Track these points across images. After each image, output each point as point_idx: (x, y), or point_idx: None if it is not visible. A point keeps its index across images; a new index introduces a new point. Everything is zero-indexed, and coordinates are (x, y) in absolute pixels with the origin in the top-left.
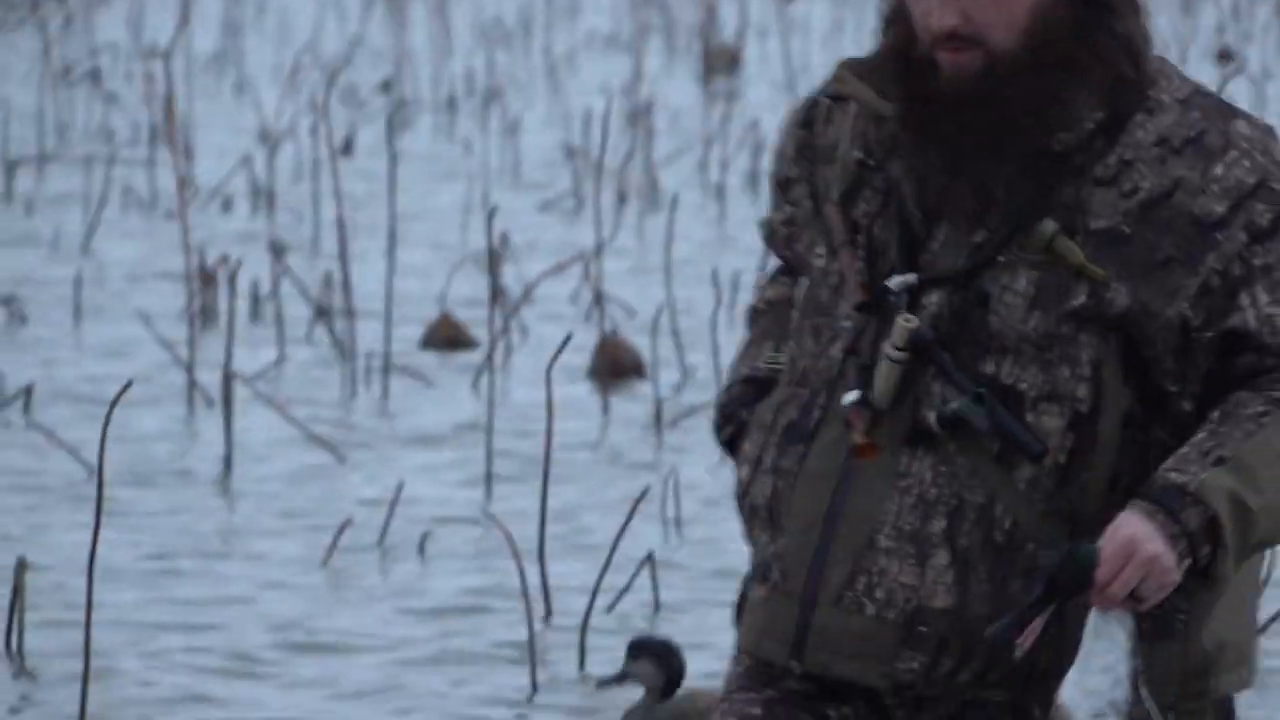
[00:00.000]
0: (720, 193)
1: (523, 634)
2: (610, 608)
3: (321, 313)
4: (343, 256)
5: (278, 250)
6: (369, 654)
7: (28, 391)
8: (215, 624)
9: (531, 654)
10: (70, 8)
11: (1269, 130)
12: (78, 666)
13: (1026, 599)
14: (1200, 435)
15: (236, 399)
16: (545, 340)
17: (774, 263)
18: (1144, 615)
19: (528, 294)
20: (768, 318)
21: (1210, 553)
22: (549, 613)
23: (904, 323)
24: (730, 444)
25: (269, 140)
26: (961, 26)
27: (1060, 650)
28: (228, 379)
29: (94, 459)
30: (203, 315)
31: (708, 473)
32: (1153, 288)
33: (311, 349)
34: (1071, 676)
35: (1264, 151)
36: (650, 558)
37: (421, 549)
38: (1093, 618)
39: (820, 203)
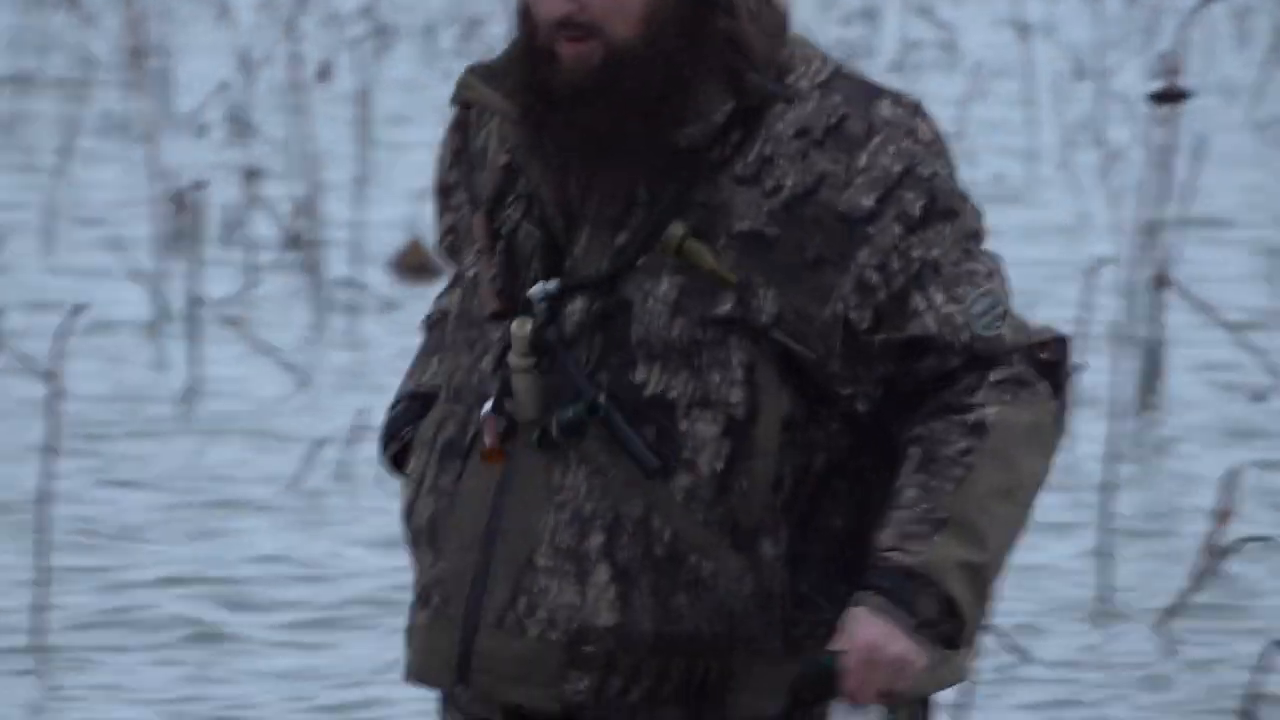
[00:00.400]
0: None
1: None
2: None
3: (293, 240)
4: (315, 183)
5: (250, 176)
6: (337, 582)
7: None
8: (182, 551)
9: None
10: None
11: (915, 109)
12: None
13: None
14: (910, 493)
15: (205, 324)
16: None
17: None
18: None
19: None
20: (434, 333)
21: (950, 625)
22: None
23: (517, 329)
24: (396, 462)
25: (246, 66)
26: (575, 13)
27: (730, 659)
28: (194, 305)
29: (58, 381)
30: (174, 240)
31: None
32: (804, 291)
33: (282, 276)
34: None
35: (909, 133)
36: None
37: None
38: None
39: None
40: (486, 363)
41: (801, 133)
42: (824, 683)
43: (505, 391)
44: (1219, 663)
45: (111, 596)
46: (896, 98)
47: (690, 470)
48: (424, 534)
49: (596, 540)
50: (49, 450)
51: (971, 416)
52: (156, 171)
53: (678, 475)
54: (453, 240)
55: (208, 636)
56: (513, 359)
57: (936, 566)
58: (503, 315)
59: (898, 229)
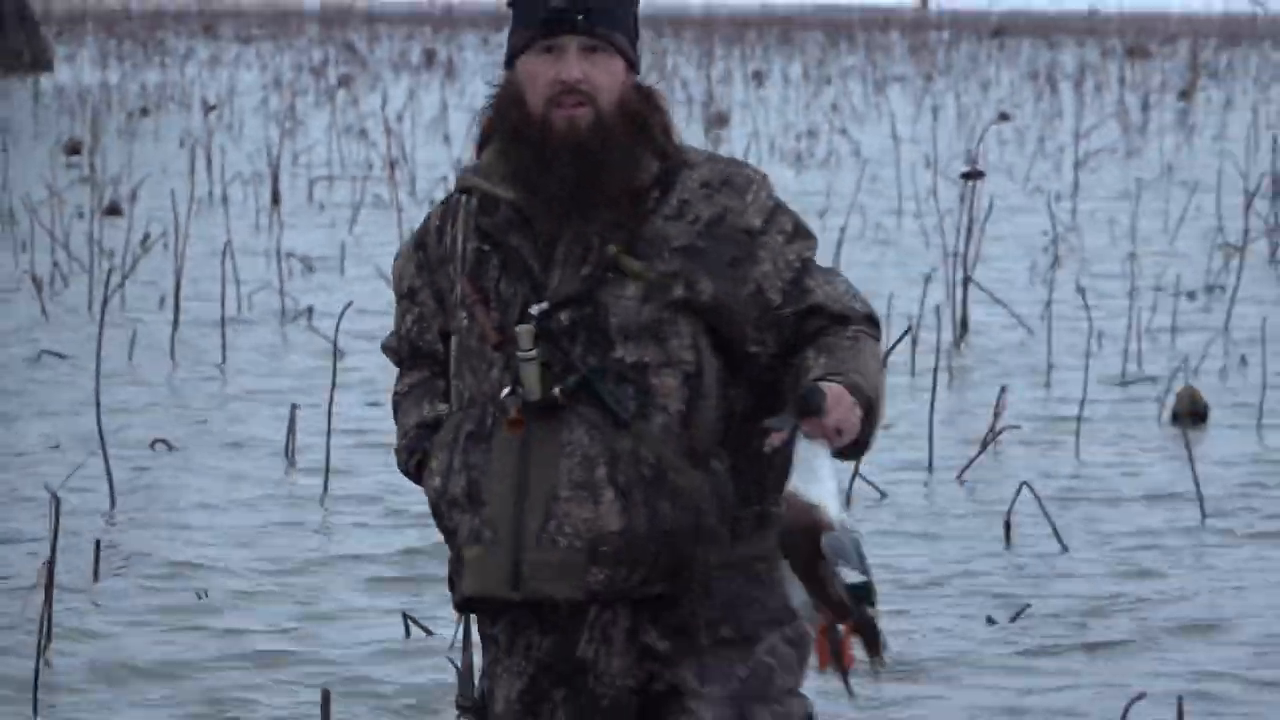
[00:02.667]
0: None
1: None
2: None
3: None
4: None
5: None
6: None
7: None
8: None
9: None
10: None
11: (764, 174)
12: None
13: (778, 417)
14: (823, 359)
15: None
16: None
17: (402, 366)
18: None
19: None
20: (411, 395)
21: (868, 417)
22: None
23: (522, 329)
24: (417, 471)
25: None
26: (582, 81)
27: (695, 546)
28: None
29: None
30: None
31: None
32: (727, 280)
33: None
34: (800, 485)
35: (765, 185)
36: None
37: None
38: (803, 445)
39: (445, 295)
40: (494, 374)
41: (704, 185)
42: (817, 403)
43: (515, 382)
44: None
45: None
46: (752, 166)
47: (663, 412)
48: (461, 499)
49: (601, 471)
50: None
51: (848, 334)
52: None
53: (654, 416)
54: (419, 327)
55: None
56: (519, 354)
57: (858, 384)
58: (501, 345)
59: (780, 238)
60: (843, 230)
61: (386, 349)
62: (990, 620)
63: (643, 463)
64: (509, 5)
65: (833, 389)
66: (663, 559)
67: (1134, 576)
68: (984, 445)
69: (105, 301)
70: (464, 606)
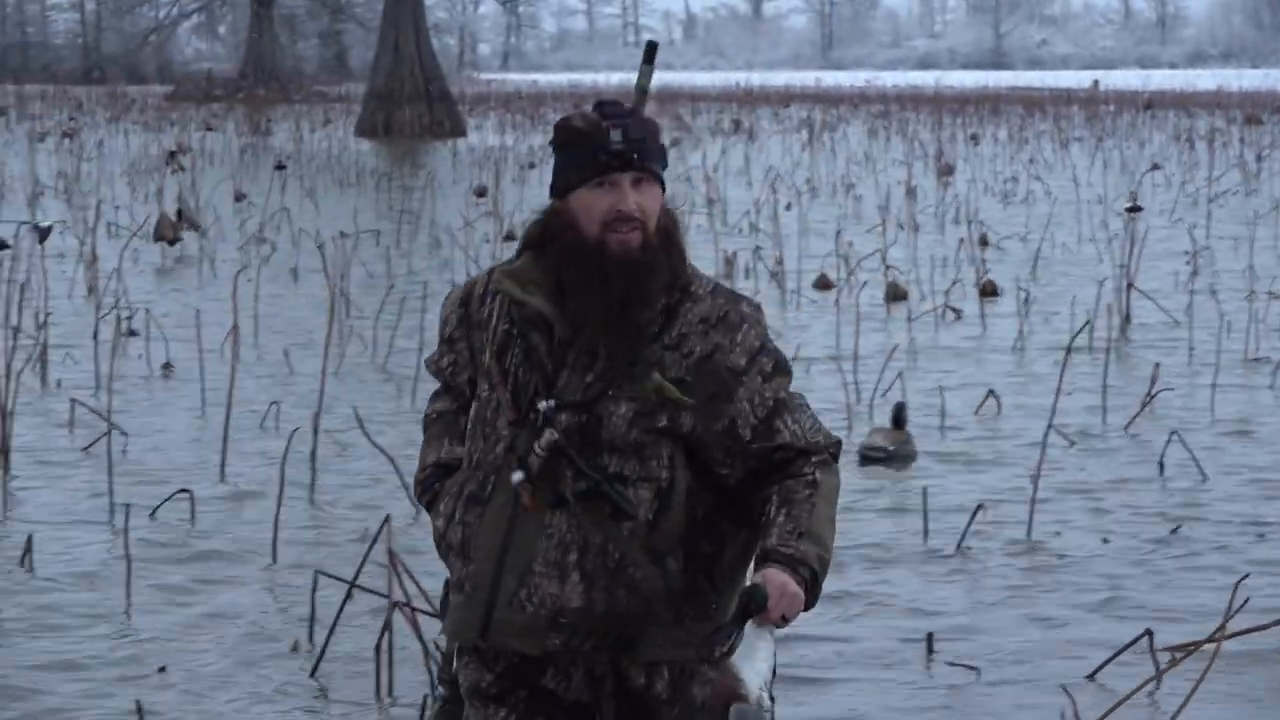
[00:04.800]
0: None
1: None
2: None
3: None
4: None
5: None
6: None
7: None
8: None
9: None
10: None
11: (758, 307)
12: None
13: (723, 623)
14: (780, 518)
15: None
16: None
17: (437, 386)
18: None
19: None
20: (439, 423)
21: (813, 587)
22: None
23: (549, 435)
24: (429, 505)
25: None
26: (636, 211)
27: (641, 627)
28: None
29: None
30: None
31: None
32: (707, 414)
33: None
34: (742, 666)
35: (757, 324)
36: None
37: None
38: (750, 627)
39: (476, 354)
40: (499, 448)
41: (703, 320)
42: (760, 602)
43: (524, 467)
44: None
45: None
46: (749, 300)
47: (633, 519)
48: (456, 548)
49: (573, 556)
50: None
51: (808, 479)
52: None
53: (624, 522)
54: (452, 370)
55: None
56: (536, 449)
57: (804, 556)
58: (518, 423)
59: (759, 378)
60: (1038, 250)
61: (429, 364)
62: (1105, 539)
63: (609, 556)
64: (558, 147)
65: (774, 583)
66: (612, 634)
67: (1263, 501)
68: (1143, 405)
69: None
70: (449, 639)
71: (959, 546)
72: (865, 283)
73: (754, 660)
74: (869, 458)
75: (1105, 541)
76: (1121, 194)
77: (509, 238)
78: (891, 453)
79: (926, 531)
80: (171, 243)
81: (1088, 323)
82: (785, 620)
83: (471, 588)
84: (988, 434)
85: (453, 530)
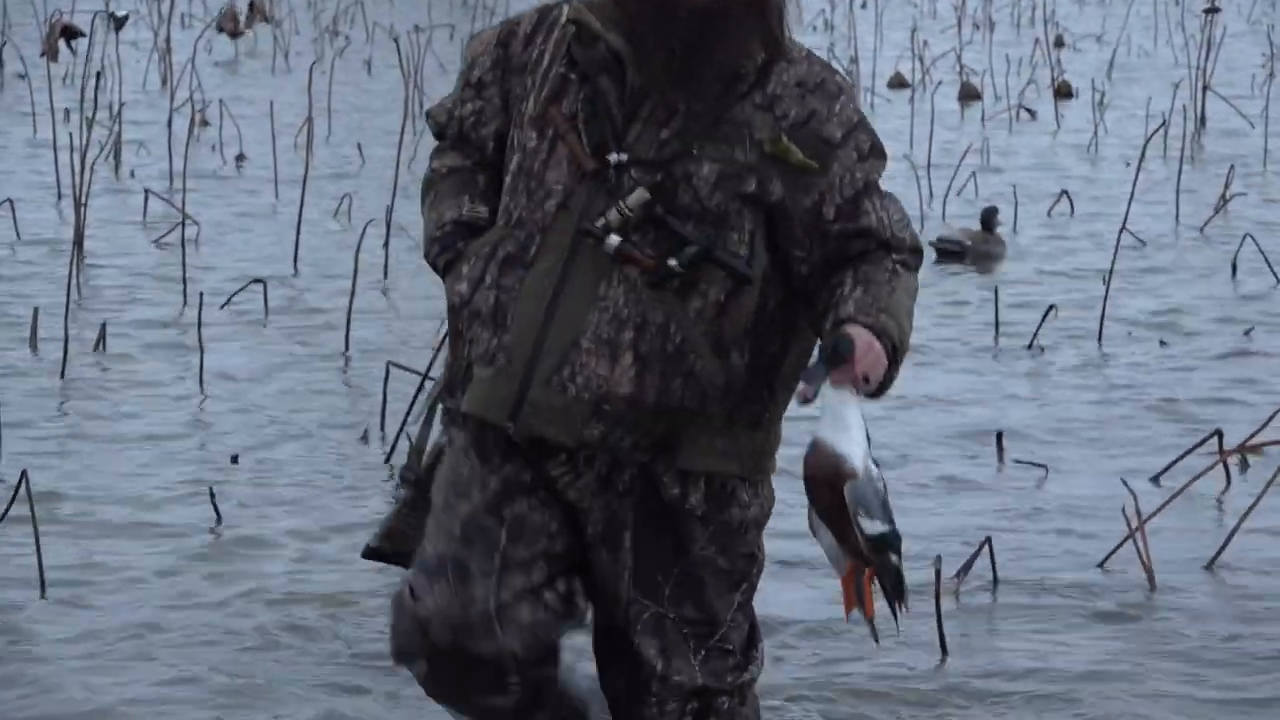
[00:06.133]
0: None
1: None
2: None
3: None
4: None
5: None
6: None
7: None
8: None
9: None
10: None
11: (851, 85)
12: None
13: (809, 368)
14: (859, 293)
15: None
16: None
17: (444, 141)
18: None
19: None
20: (453, 179)
21: (893, 359)
22: None
23: (640, 192)
24: (447, 267)
25: None
26: None
27: (690, 427)
28: None
29: None
30: None
31: None
32: (797, 184)
33: None
34: (829, 434)
35: (853, 99)
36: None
37: None
38: (831, 393)
39: (512, 102)
40: (550, 205)
41: (800, 83)
42: (845, 351)
43: (603, 230)
44: None
45: None
46: (840, 73)
47: (703, 296)
48: (485, 316)
49: (628, 334)
50: None
51: (888, 268)
52: None
53: (692, 298)
54: (476, 119)
55: None
56: (622, 206)
57: (885, 328)
58: (595, 175)
59: (854, 155)
60: (1114, 51)
61: (431, 116)
62: (1162, 343)
63: (669, 338)
64: None
65: (861, 338)
66: (658, 430)
67: None
68: (1217, 208)
69: None
70: (471, 413)
71: (1030, 345)
72: (940, 83)
73: (848, 431)
74: (944, 251)
75: (1162, 345)
76: None
77: None
78: (967, 248)
79: (998, 330)
80: (234, 35)
81: (1163, 124)
82: (867, 380)
83: (505, 360)
84: (1060, 235)
85: (481, 295)
